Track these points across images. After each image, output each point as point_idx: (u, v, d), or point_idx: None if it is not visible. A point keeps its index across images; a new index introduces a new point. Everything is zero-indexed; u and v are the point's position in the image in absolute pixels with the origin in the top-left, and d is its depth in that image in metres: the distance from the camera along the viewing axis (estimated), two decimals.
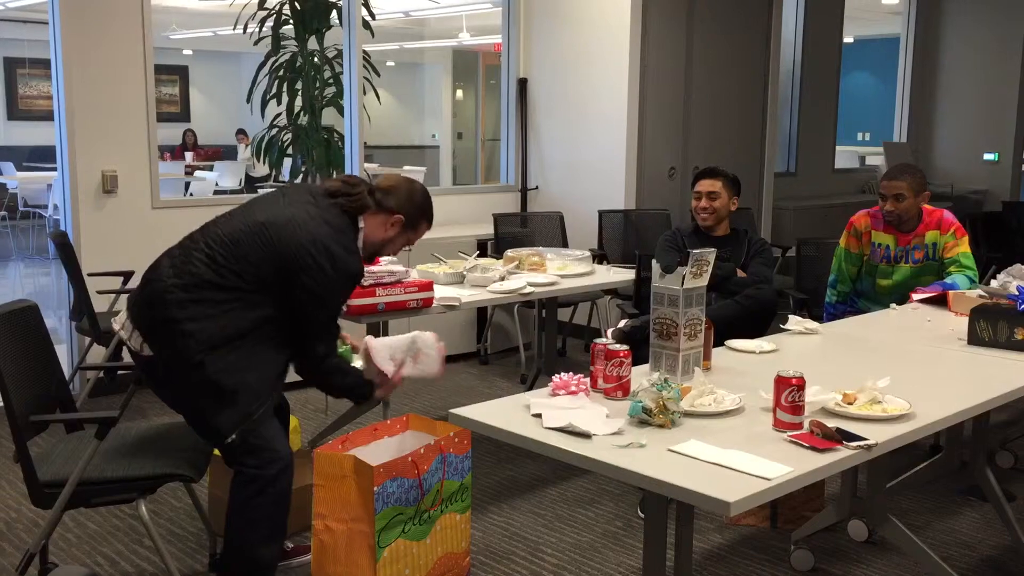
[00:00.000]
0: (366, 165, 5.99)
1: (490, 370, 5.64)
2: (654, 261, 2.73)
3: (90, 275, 4.40)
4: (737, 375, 2.61)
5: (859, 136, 11.40)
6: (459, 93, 13.73)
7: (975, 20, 8.52)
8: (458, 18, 11.10)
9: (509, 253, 4.33)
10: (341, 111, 6.21)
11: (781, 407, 2.14)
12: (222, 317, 2.57)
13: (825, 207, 7.76)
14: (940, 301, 3.62)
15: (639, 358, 2.51)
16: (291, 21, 6.64)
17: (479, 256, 4.29)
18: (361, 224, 2.79)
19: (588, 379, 2.45)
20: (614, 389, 2.38)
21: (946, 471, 3.64)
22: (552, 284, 4.11)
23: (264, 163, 7.40)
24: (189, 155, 12.45)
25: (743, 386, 2.43)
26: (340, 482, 2.70)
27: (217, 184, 10.98)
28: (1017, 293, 3.07)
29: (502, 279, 3.99)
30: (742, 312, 3.68)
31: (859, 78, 11.36)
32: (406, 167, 10.18)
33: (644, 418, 2.16)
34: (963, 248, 4.00)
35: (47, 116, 5.55)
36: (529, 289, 3.95)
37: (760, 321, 3.73)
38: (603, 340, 2.49)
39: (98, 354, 4.53)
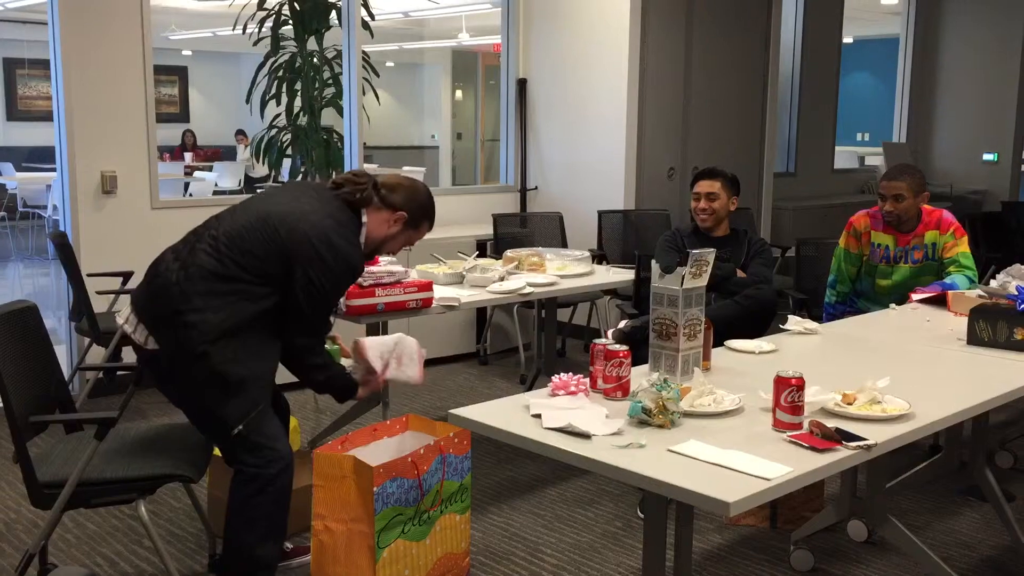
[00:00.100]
0: (365, 166, 6.00)
1: (489, 370, 5.64)
2: (653, 261, 2.73)
3: (89, 276, 4.39)
4: (737, 375, 2.61)
5: (858, 136, 11.41)
6: (458, 94, 13.73)
7: (975, 20, 8.52)
8: (457, 19, 11.10)
9: (508, 253, 4.33)
10: (340, 112, 6.22)
11: (781, 407, 2.14)
12: (226, 309, 2.57)
13: (824, 207, 7.76)
14: (939, 301, 3.63)
15: (639, 358, 2.51)
16: (290, 21, 6.64)
17: (478, 256, 4.29)
18: (364, 219, 2.80)
19: (588, 379, 2.44)
20: (614, 389, 2.38)
21: (945, 471, 3.64)
22: (551, 284, 4.11)
23: (263, 164, 7.40)
24: (188, 156, 12.46)
25: (743, 386, 2.43)
26: (340, 482, 2.70)
27: (216, 185, 10.99)
28: (1016, 293, 3.07)
29: (501, 279, 3.99)
30: (742, 312, 3.68)
31: (858, 78, 11.37)
32: (405, 167, 10.17)
33: (644, 418, 2.16)
34: (962, 248, 4.00)
35: (46, 117, 5.55)
36: (528, 289, 3.95)
37: (760, 321, 3.73)
38: (603, 340, 2.49)
39: (97, 355, 4.53)
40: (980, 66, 8.50)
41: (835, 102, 8.39)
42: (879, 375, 2.35)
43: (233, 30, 6.67)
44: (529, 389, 4.30)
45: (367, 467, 2.62)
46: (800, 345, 3.05)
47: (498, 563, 3.17)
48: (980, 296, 3.45)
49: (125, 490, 2.61)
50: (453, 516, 2.90)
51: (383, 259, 3.59)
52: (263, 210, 2.67)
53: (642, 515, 3.30)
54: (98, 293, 4.37)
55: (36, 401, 2.65)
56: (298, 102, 6.80)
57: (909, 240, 4.04)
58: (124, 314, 2.69)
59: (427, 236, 3.10)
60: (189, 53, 13.95)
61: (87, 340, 4.45)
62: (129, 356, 2.72)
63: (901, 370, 2.65)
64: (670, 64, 6.21)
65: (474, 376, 5.50)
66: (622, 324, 3.45)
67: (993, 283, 3.53)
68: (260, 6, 6.55)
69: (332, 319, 2.97)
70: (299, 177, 7.06)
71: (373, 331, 3.66)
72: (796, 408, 2.13)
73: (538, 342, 4.87)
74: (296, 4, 6.60)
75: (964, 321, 3.08)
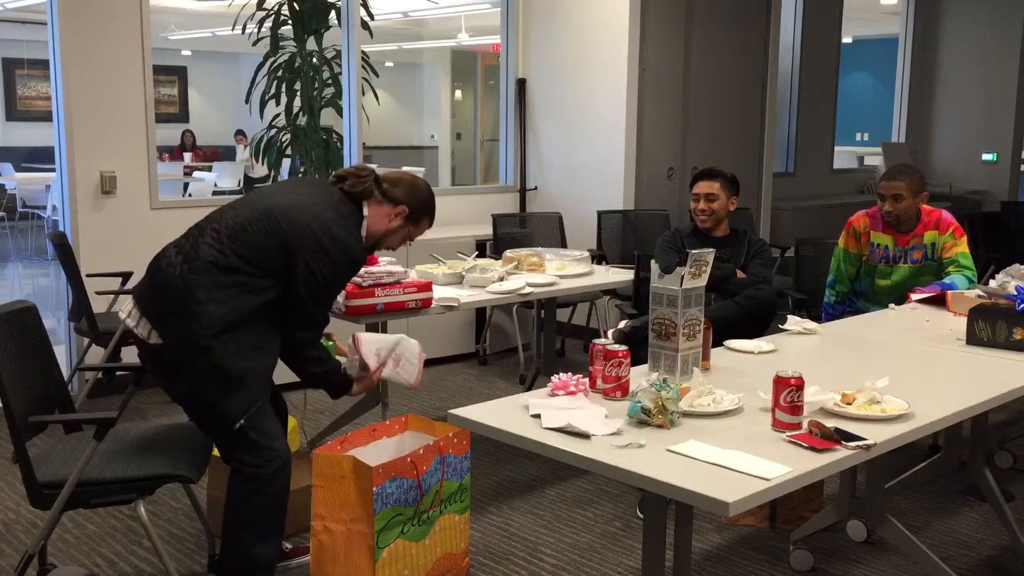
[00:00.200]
0: None
1: (489, 370, 5.64)
2: (653, 261, 2.73)
3: (89, 276, 4.39)
4: (736, 375, 2.61)
5: (858, 136, 11.41)
6: (458, 94, 13.73)
7: (974, 20, 8.53)
8: (457, 19, 11.10)
9: (508, 253, 4.33)
10: (340, 112, 6.22)
11: (780, 407, 2.14)
12: (229, 301, 2.57)
13: (824, 207, 7.77)
14: (939, 301, 3.63)
15: (638, 358, 2.51)
16: (290, 22, 6.64)
17: (478, 256, 4.29)
18: (365, 212, 2.81)
19: (587, 379, 2.44)
20: (613, 389, 2.38)
21: (945, 471, 3.64)
22: (551, 284, 4.11)
23: (263, 164, 7.39)
24: (188, 156, 12.46)
25: (742, 386, 2.43)
26: (339, 483, 2.70)
27: (216, 185, 10.99)
28: (1016, 293, 3.07)
29: (501, 279, 3.99)
30: (741, 312, 3.68)
31: (858, 78, 11.37)
32: (405, 168, 10.17)
33: (643, 418, 2.16)
34: (962, 248, 4.00)
35: (46, 117, 5.55)
36: (528, 289, 3.95)
37: (759, 321, 3.73)
38: (602, 340, 2.49)
39: (97, 355, 4.53)
40: (979, 66, 8.50)
41: (834, 102, 8.39)
42: (878, 375, 2.35)
43: (232, 30, 6.66)
44: (528, 389, 4.30)
45: (366, 467, 2.62)
46: (799, 345, 3.05)
47: (497, 563, 3.17)
48: (979, 296, 3.46)
49: (124, 490, 2.61)
50: (452, 516, 2.90)
51: (383, 259, 3.59)
52: (265, 203, 2.68)
53: (641, 515, 3.30)
54: (97, 293, 4.37)
55: (35, 401, 2.65)
56: (297, 102, 6.80)
57: (908, 240, 4.04)
58: (126, 309, 2.69)
59: (426, 236, 3.10)
60: (188, 53, 13.94)
61: (86, 340, 4.45)
62: (129, 356, 2.72)
63: (900, 370, 2.65)
64: (669, 64, 6.21)
65: (473, 376, 5.50)
66: (621, 324, 3.45)
67: (992, 283, 3.53)
68: (259, 6, 6.55)
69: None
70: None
71: (372, 331, 3.66)
72: (795, 408, 2.13)
73: (537, 342, 4.87)
74: (295, 4, 6.60)
75: (963, 321, 3.08)
